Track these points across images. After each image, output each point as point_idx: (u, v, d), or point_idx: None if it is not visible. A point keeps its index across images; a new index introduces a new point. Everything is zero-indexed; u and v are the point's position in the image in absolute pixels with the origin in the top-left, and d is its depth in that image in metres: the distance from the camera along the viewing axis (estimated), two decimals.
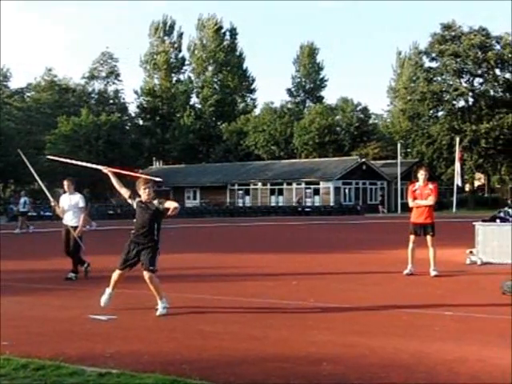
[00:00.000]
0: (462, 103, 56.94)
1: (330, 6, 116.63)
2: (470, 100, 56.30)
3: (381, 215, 45.94)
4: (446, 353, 5.89)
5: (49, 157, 12.47)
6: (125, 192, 8.37)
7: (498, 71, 55.58)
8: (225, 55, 76.66)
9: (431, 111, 58.04)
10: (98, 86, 75.41)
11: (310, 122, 65.16)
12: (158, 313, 7.81)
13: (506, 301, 8.70)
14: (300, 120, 67.30)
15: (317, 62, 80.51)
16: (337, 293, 9.74)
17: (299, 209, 48.33)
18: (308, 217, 42.91)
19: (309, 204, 51.29)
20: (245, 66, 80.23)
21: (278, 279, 11.35)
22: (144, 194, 8.01)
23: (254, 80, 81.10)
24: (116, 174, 8.83)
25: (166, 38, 78.19)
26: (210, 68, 77.80)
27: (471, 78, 56.63)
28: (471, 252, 13.57)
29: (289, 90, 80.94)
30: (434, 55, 56.86)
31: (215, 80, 78.07)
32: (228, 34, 78.71)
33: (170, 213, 7.81)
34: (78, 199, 11.70)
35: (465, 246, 14.32)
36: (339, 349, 6.10)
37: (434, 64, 57.99)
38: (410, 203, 11.83)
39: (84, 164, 10.10)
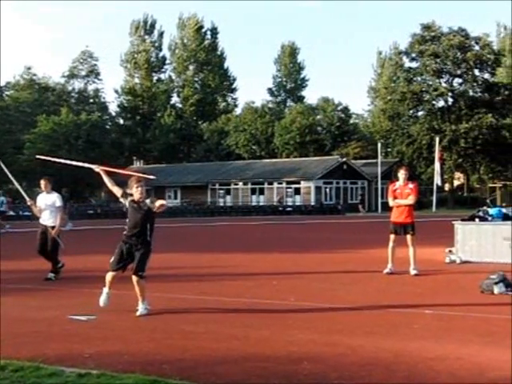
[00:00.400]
0: (441, 103, 57.43)
1: (310, 6, 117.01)
2: (450, 100, 56.77)
3: (361, 214, 46.14)
4: (426, 351, 5.92)
5: (38, 156, 12.29)
6: (117, 191, 8.26)
7: (476, 72, 56.11)
8: (206, 55, 76.50)
9: (411, 111, 58.43)
10: (77, 84, 74.98)
11: (290, 122, 65.24)
12: (138, 313, 7.77)
13: (484, 299, 8.78)
14: (281, 120, 67.36)
15: (298, 61, 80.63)
16: (317, 292, 9.76)
17: (280, 208, 48.36)
18: (289, 216, 42.97)
19: (290, 203, 51.34)
20: (226, 65, 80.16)
21: (259, 279, 11.35)
22: (136, 192, 7.92)
23: (234, 79, 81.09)
24: (108, 173, 8.74)
25: (146, 37, 77.81)
26: (191, 67, 77.60)
27: (451, 79, 57.09)
28: (450, 251, 13.68)
29: (270, 90, 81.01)
30: (413, 55, 57.25)
31: (196, 79, 77.90)
32: (209, 33, 78.58)
33: (156, 209, 7.82)
34: (54, 198, 11.60)
35: (444, 245, 14.43)
36: (320, 348, 6.11)
37: (413, 64, 58.51)
38: (391, 202, 11.88)
39: (75, 163, 10.00)
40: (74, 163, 10.05)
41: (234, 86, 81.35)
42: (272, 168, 56.41)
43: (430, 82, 56.60)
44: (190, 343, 6.32)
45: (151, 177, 9.50)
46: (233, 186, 56.24)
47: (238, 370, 5.37)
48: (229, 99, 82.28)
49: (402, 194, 11.72)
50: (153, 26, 78.18)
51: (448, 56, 54.19)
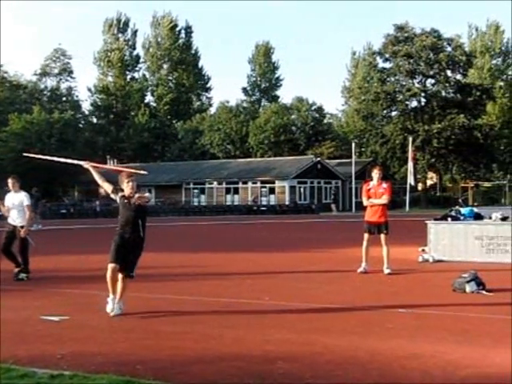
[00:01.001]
0: (414, 103, 57.92)
1: (285, 5, 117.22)
2: (423, 100, 57.28)
3: (335, 214, 46.33)
4: (400, 350, 5.96)
5: (25, 154, 12.09)
6: (107, 187, 8.12)
7: (449, 72, 56.67)
8: (180, 53, 76.27)
9: (385, 111, 58.84)
10: (50, 82, 74.23)
11: (265, 121, 65.32)
12: (112, 313, 7.66)
13: (457, 298, 8.87)
14: (255, 119, 67.41)
15: (272, 61, 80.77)
16: (292, 291, 9.76)
17: (255, 208, 48.36)
18: (263, 216, 42.98)
19: (264, 203, 51.37)
20: (200, 64, 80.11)
21: (234, 278, 11.33)
22: (128, 187, 7.79)
23: (209, 79, 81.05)
24: (96, 169, 8.64)
25: (120, 35, 77.34)
26: (165, 66, 77.38)
27: (423, 79, 57.62)
28: (423, 250, 13.80)
29: (244, 89, 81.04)
30: (387, 56, 57.65)
31: (170, 78, 77.67)
32: (183, 32, 78.39)
33: (136, 202, 7.67)
34: (22, 197, 11.45)
35: (417, 244, 14.55)
36: (295, 347, 6.11)
37: (387, 65, 58.95)
38: (365, 202, 11.93)
39: (63, 160, 9.85)
40: (63, 160, 9.90)
41: (208, 85, 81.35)
42: (246, 167, 56.41)
43: (404, 83, 57.06)
44: (165, 343, 6.29)
45: (142, 172, 9.40)
46: (207, 186, 56.11)
47: (213, 369, 5.35)
48: (203, 98, 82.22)
49: (375, 194, 11.78)
50: (126, 24, 77.77)
51: (421, 57, 54.68)
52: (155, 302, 8.70)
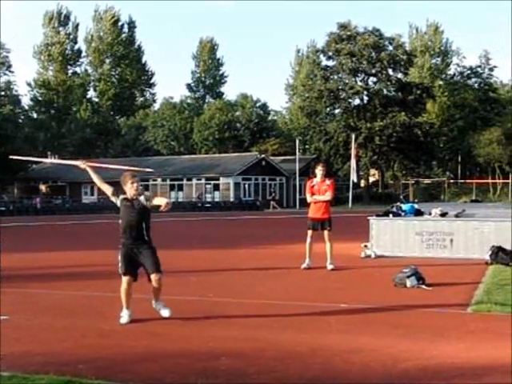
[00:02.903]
0: (357, 101, 58.70)
1: (229, 2, 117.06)
2: (365, 98, 58.11)
3: (276, 211, 46.43)
4: (341, 344, 6.05)
5: (12, 157, 11.38)
6: (107, 189, 7.53)
7: (390, 71, 57.64)
8: (123, 48, 75.27)
9: (328, 109, 59.50)
10: None
11: (209, 118, 65.17)
12: (167, 314, 7.17)
13: (398, 292, 9.05)
14: (200, 115, 67.19)
15: (217, 57, 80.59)
16: (236, 288, 9.79)
17: (199, 204, 48.23)
18: (208, 212, 42.90)
19: (209, 200, 51.29)
20: (144, 59, 79.23)
21: (178, 276, 11.26)
22: (132, 189, 7.21)
23: (153, 74, 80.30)
24: (94, 169, 8.01)
25: (61, 28, 75.76)
26: (108, 61, 76.21)
27: (366, 77, 58.47)
28: (366, 246, 14.02)
29: (189, 86, 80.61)
30: (330, 54, 58.28)
31: (113, 73, 76.59)
32: (126, 26, 77.38)
33: (162, 209, 7.09)
34: None
35: (360, 240, 14.76)
36: (239, 343, 6.13)
37: (330, 62, 59.57)
38: (308, 199, 12.03)
39: (56, 161, 9.47)
40: (55, 161, 9.51)
41: (152, 81, 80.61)
42: (191, 164, 56.17)
43: (346, 81, 57.77)
44: (108, 342, 6.22)
45: (148, 170, 8.96)
46: (151, 182, 55.57)
47: (156, 367, 5.32)
48: (147, 94, 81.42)
49: (319, 191, 11.88)
50: (67, 17, 76.23)
51: (363, 55, 55.47)
52: (95, 300, 8.59)
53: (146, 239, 7.20)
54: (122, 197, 7.31)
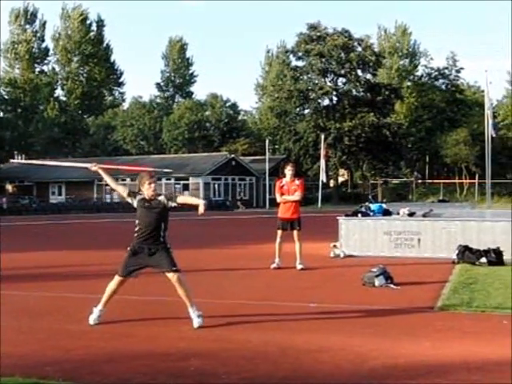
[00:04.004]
0: (326, 102, 58.95)
1: (199, 2, 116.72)
2: (334, 99, 58.43)
3: (243, 211, 46.30)
4: (311, 343, 6.07)
5: (13, 161, 10.99)
6: (122, 190, 7.33)
7: (359, 72, 58.04)
8: (91, 47, 74.55)
9: (298, 109, 59.68)
10: None
11: (179, 118, 64.93)
12: (195, 324, 6.84)
13: (366, 292, 9.12)
14: (169, 115, 66.89)
15: (186, 57, 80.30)
16: (207, 288, 9.75)
17: None
18: (177, 212, 42.63)
19: None
20: (112, 58, 78.61)
21: (148, 276, 11.17)
22: (149, 190, 6.99)
23: (122, 73, 79.70)
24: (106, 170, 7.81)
25: (27, 26, 74.74)
26: (76, 59, 75.39)
27: (335, 78, 58.79)
28: (335, 245, 14.09)
29: (158, 85, 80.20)
30: (300, 54, 58.49)
31: (81, 72, 75.80)
32: (94, 25, 76.65)
33: (201, 212, 6.88)
34: None
35: (329, 239, 14.83)
36: (209, 344, 6.12)
37: (300, 63, 59.82)
38: (278, 199, 12.06)
39: (65, 164, 9.14)
40: (65, 164, 9.19)
41: (121, 80, 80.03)
42: (160, 164, 55.74)
43: (316, 81, 58.03)
44: (75, 343, 6.15)
45: (167, 170, 8.70)
46: (120, 182, 55.13)
47: (124, 368, 5.28)
48: (116, 93, 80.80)
49: (288, 190, 11.92)
50: (34, 15, 75.21)
51: (332, 56, 55.77)
52: (63, 301, 8.49)
53: (162, 240, 7.11)
54: (139, 197, 7.12)
